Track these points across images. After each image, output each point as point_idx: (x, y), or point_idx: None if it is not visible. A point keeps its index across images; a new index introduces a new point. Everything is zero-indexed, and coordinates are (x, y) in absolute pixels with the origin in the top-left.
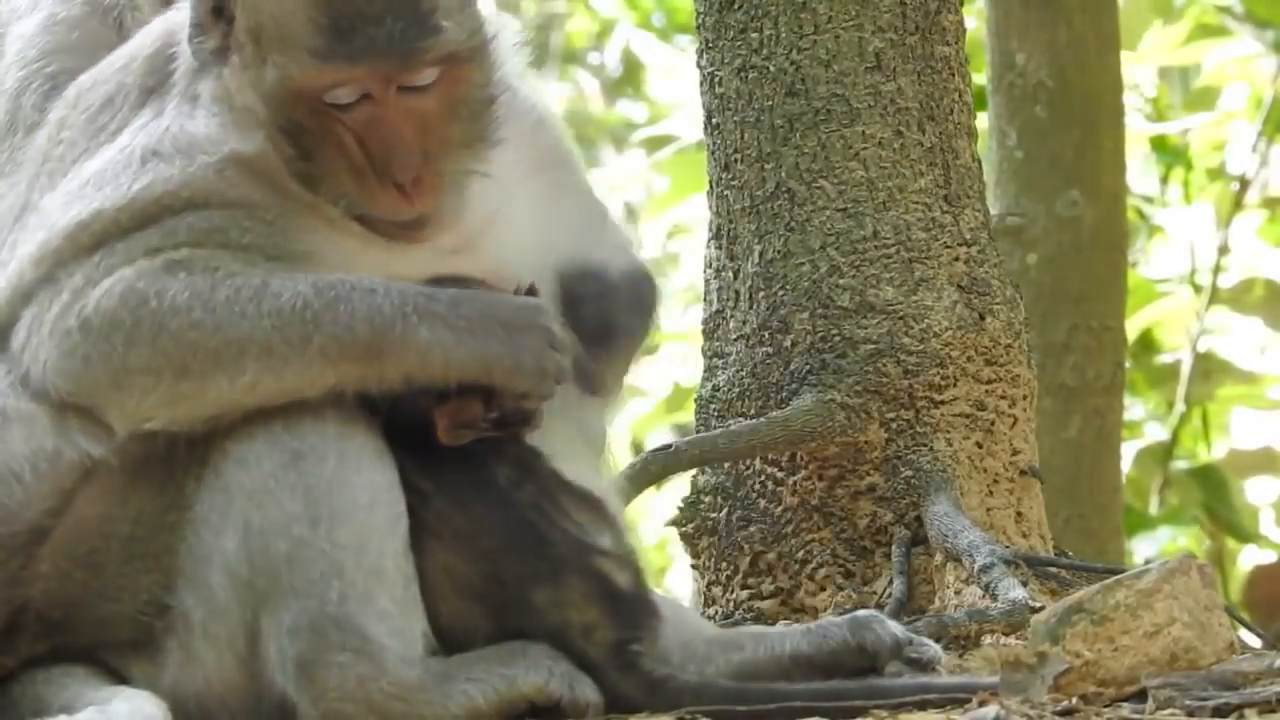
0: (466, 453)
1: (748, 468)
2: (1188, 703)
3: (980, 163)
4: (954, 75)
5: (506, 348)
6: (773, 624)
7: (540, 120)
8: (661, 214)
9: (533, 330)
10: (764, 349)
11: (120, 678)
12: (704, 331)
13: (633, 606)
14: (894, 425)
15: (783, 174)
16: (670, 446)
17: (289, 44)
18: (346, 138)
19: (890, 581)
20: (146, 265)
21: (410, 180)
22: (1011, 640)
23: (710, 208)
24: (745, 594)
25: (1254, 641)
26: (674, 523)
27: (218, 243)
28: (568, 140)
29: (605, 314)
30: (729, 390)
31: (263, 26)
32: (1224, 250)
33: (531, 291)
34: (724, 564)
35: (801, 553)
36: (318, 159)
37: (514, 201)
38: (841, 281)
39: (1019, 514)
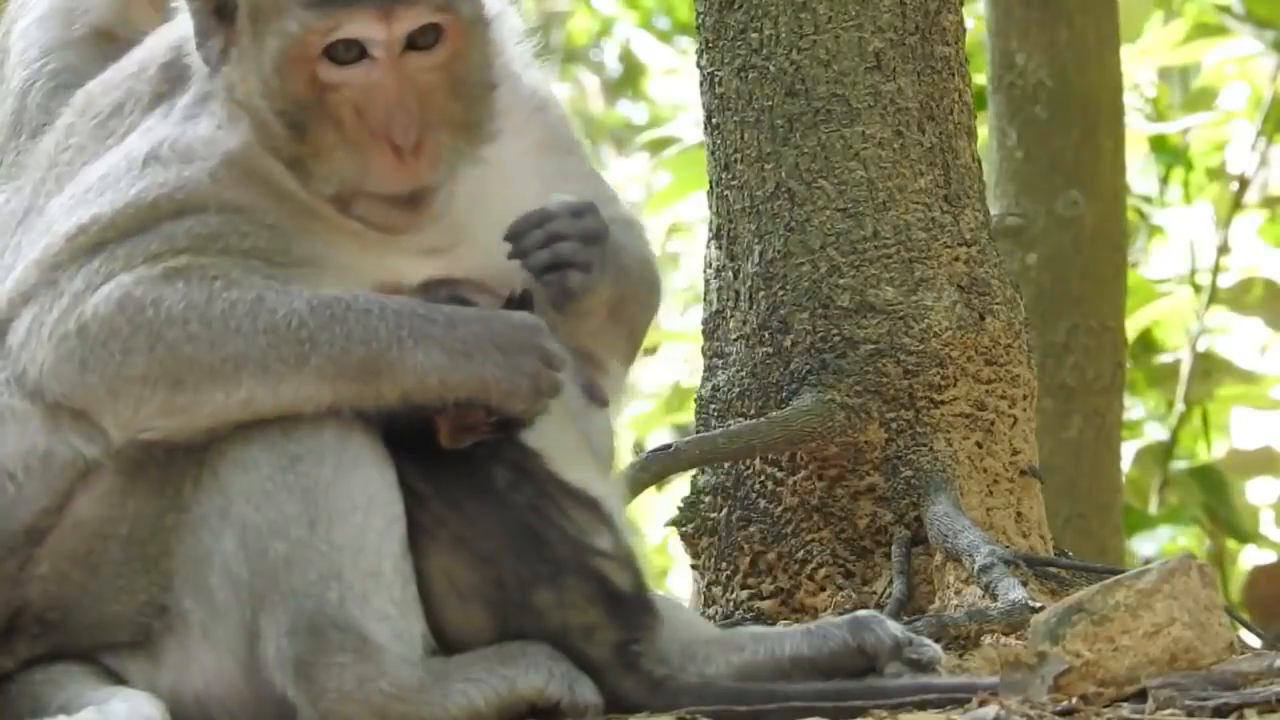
0: (464, 455)
1: (748, 468)
2: (1188, 703)
3: (980, 163)
4: (954, 75)
5: (503, 371)
6: (773, 624)
7: (542, 105)
8: (662, 210)
9: (528, 351)
10: (764, 349)
11: (119, 679)
12: (704, 331)
13: (633, 607)
14: (894, 425)
15: (783, 174)
16: (670, 446)
17: (285, 10)
18: (344, 109)
19: (890, 581)
20: (145, 272)
21: (410, 144)
22: (1011, 640)
23: (710, 208)
24: (745, 594)
25: (1254, 641)
26: (674, 523)
27: (218, 249)
28: (571, 126)
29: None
30: (729, 390)
31: (259, 4)
32: (1224, 250)
33: (526, 299)
34: (724, 564)
35: (801, 553)
36: (313, 137)
37: (512, 186)
38: (841, 281)
39: (1019, 514)
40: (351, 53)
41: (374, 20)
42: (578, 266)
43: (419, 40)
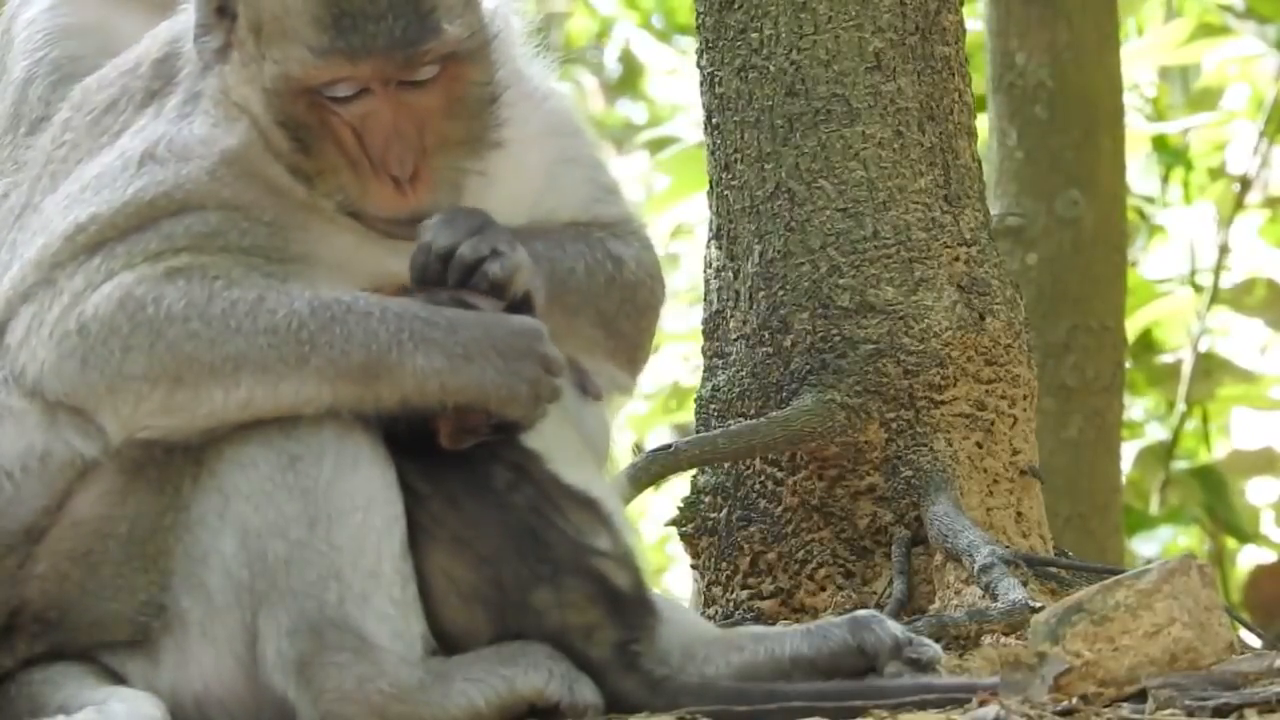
0: (464, 456)
1: (748, 468)
2: (1188, 703)
3: (980, 163)
4: (954, 75)
5: (503, 377)
6: (773, 624)
7: (546, 97)
8: (663, 211)
9: (528, 356)
10: (764, 349)
11: (118, 678)
12: (704, 331)
13: (633, 607)
14: (894, 425)
15: (783, 174)
16: (670, 446)
17: (289, 39)
18: (344, 132)
19: (890, 581)
20: (147, 271)
21: (407, 176)
22: (1011, 640)
23: (710, 208)
24: (745, 594)
25: (1254, 641)
26: (674, 523)
27: (218, 247)
28: (575, 115)
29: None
30: (729, 390)
31: (263, 22)
32: (1225, 250)
33: (527, 301)
34: (724, 564)
35: (801, 553)
36: (314, 154)
37: (516, 180)
38: (841, 281)
39: (1019, 514)
40: (350, 92)
41: (375, 76)
42: (488, 257)
43: (417, 77)
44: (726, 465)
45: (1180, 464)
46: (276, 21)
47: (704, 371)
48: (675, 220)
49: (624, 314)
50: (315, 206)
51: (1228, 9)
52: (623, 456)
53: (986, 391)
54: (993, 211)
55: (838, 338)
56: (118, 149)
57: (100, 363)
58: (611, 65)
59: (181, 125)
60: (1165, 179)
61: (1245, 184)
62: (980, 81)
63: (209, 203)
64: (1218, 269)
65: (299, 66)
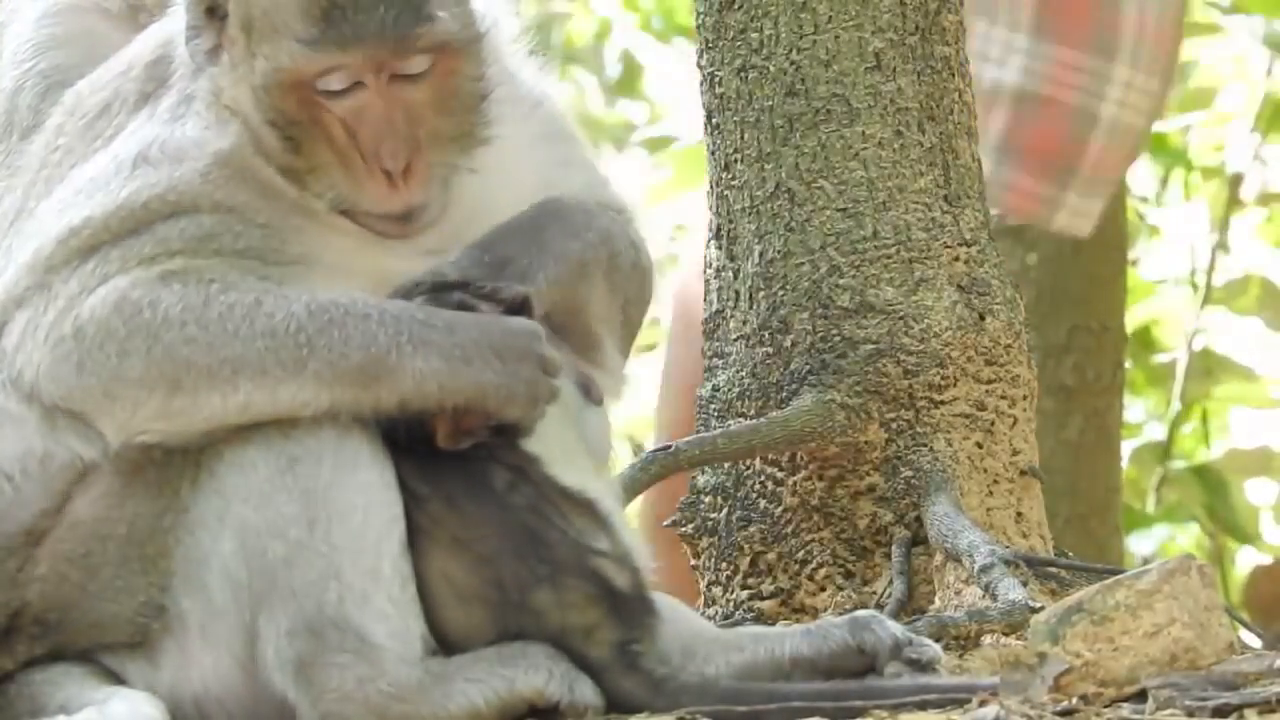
0: (462, 457)
1: (748, 468)
2: (1188, 703)
3: (980, 163)
4: (954, 75)
5: (501, 378)
6: (773, 624)
7: (539, 102)
8: (662, 202)
9: (526, 358)
10: (764, 349)
11: (118, 679)
12: (704, 331)
13: (633, 606)
14: (894, 425)
15: (783, 174)
16: (670, 446)
17: (280, 33)
18: (336, 128)
19: (890, 581)
20: (142, 275)
21: (399, 169)
22: (1011, 640)
23: (710, 208)
24: (745, 594)
25: (1254, 641)
26: (674, 523)
27: (213, 250)
28: (568, 119)
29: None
30: (729, 390)
31: (253, 19)
32: (1221, 248)
33: (525, 304)
34: (724, 564)
35: (801, 553)
36: (306, 151)
37: (512, 182)
38: (841, 281)
39: (1019, 514)
40: (342, 85)
41: (367, 65)
42: (508, 277)
43: (411, 69)
44: (726, 465)
45: (1177, 463)
46: (266, 18)
47: (704, 371)
48: (675, 217)
49: (634, 303)
50: (309, 208)
51: (1214, 5)
52: (623, 456)
53: (986, 391)
54: (993, 211)
55: (838, 338)
56: (111, 152)
57: (97, 367)
58: (611, 66)
59: (174, 127)
60: (1164, 179)
61: (1236, 181)
62: None
63: (203, 205)
64: (1211, 268)
65: (290, 59)
